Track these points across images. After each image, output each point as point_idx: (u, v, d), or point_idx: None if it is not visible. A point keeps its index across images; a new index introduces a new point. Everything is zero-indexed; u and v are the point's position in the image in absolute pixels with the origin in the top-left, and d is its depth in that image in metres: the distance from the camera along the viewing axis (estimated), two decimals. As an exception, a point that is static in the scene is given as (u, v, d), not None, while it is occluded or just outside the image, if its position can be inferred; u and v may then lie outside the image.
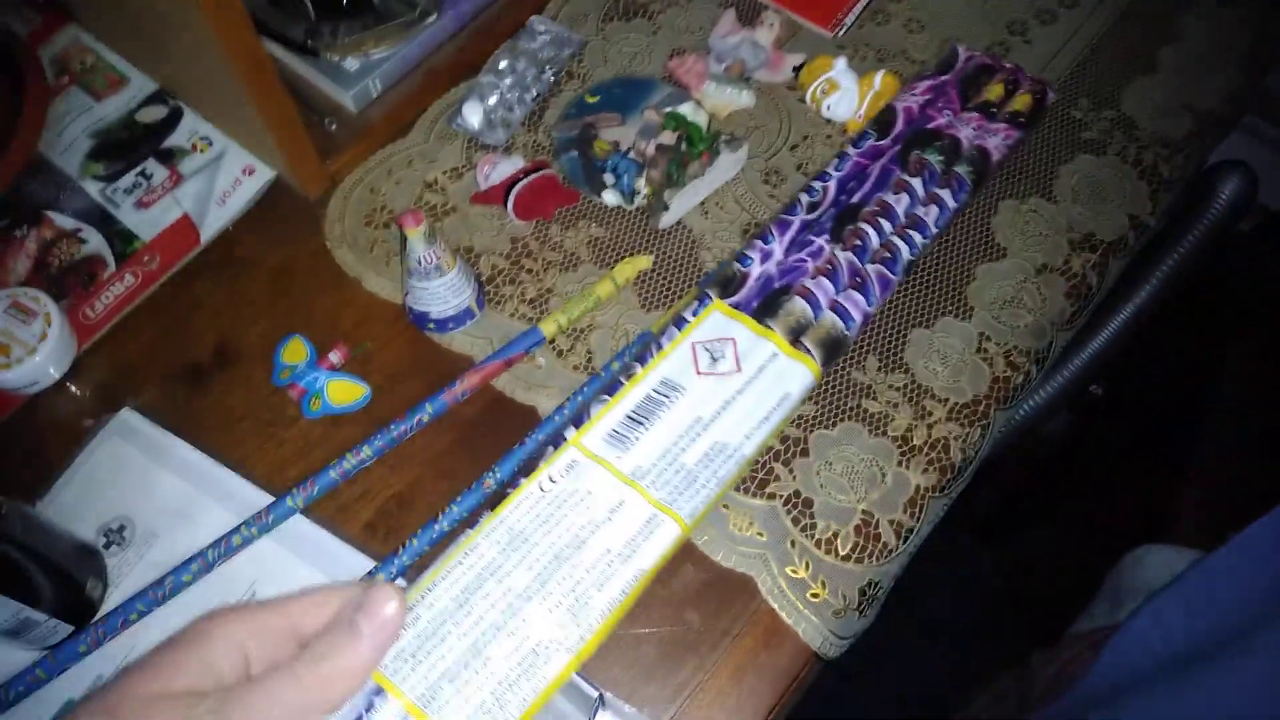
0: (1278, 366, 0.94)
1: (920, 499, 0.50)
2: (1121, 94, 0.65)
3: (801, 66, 0.64)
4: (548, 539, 0.40)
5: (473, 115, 0.61)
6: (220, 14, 0.47)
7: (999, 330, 0.55)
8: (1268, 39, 0.68)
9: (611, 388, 0.48)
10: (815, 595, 0.47)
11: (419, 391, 0.53)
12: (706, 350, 0.46)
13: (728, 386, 0.45)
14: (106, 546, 0.49)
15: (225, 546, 0.47)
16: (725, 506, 0.49)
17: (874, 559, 0.48)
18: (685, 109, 0.60)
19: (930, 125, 0.56)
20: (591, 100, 0.62)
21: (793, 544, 0.48)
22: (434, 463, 0.51)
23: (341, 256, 0.58)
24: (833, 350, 0.48)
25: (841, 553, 0.48)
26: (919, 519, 0.50)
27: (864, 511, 0.49)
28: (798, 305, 0.48)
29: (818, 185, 0.53)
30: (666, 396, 0.45)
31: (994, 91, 0.59)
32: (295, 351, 0.54)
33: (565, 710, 0.44)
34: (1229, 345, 0.98)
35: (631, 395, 0.45)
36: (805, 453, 0.51)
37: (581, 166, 0.59)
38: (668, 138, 0.58)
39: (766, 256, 0.50)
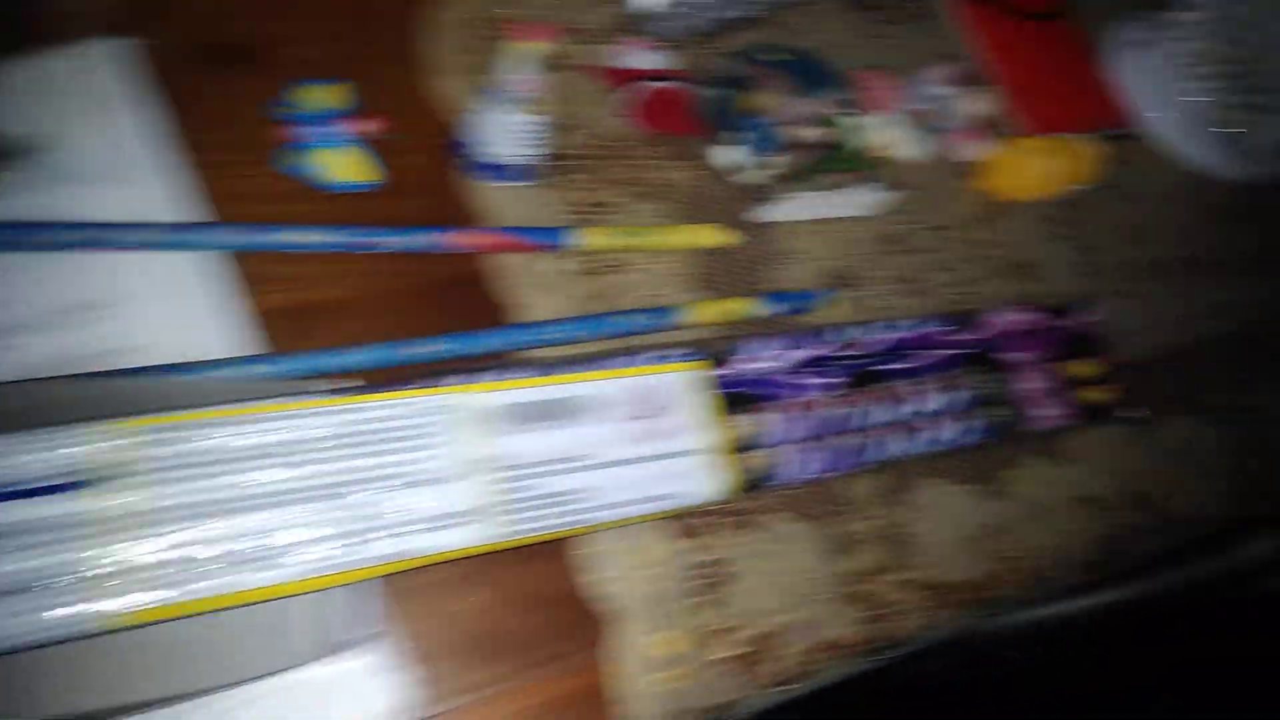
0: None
1: (834, 650, 0.43)
2: (1260, 386, 0.57)
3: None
4: (376, 458, 0.34)
5: (655, -7, 0.53)
6: None
7: (1016, 532, 0.48)
8: None
9: (548, 369, 0.41)
10: (667, 681, 0.40)
11: (414, 217, 0.45)
12: (650, 400, 0.39)
13: (639, 448, 0.38)
14: (13, 156, 0.41)
15: (122, 233, 0.39)
16: (626, 525, 0.42)
17: (749, 679, 0.41)
18: (854, 123, 0.52)
19: (1002, 355, 0.49)
20: (777, 56, 0.54)
21: (676, 612, 0.41)
22: (386, 296, 0.43)
23: (430, 41, 0.50)
24: (751, 485, 0.41)
25: (721, 653, 0.41)
26: (818, 669, 0.42)
27: (770, 627, 0.42)
28: (757, 425, 0.42)
29: (862, 330, 0.46)
30: (581, 413, 0.38)
31: (1086, 369, 0.51)
32: (319, 95, 0.46)
33: (330, 616, 0.36)
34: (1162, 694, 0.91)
35: (552, 387, 0.38)
36: (748, 525, 0.43)
37: (722, 107, 0.51)
38: (825, 135, 0.50)
39: (767, 358, 0.44)
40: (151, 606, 0.27)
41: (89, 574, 0.27)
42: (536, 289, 0.45)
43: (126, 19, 0.46)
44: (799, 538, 0.44)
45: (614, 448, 0.38)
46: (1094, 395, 0.50)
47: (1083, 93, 0.63)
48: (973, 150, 0.56)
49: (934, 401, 0.46)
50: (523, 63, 0.43)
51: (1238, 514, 0.54)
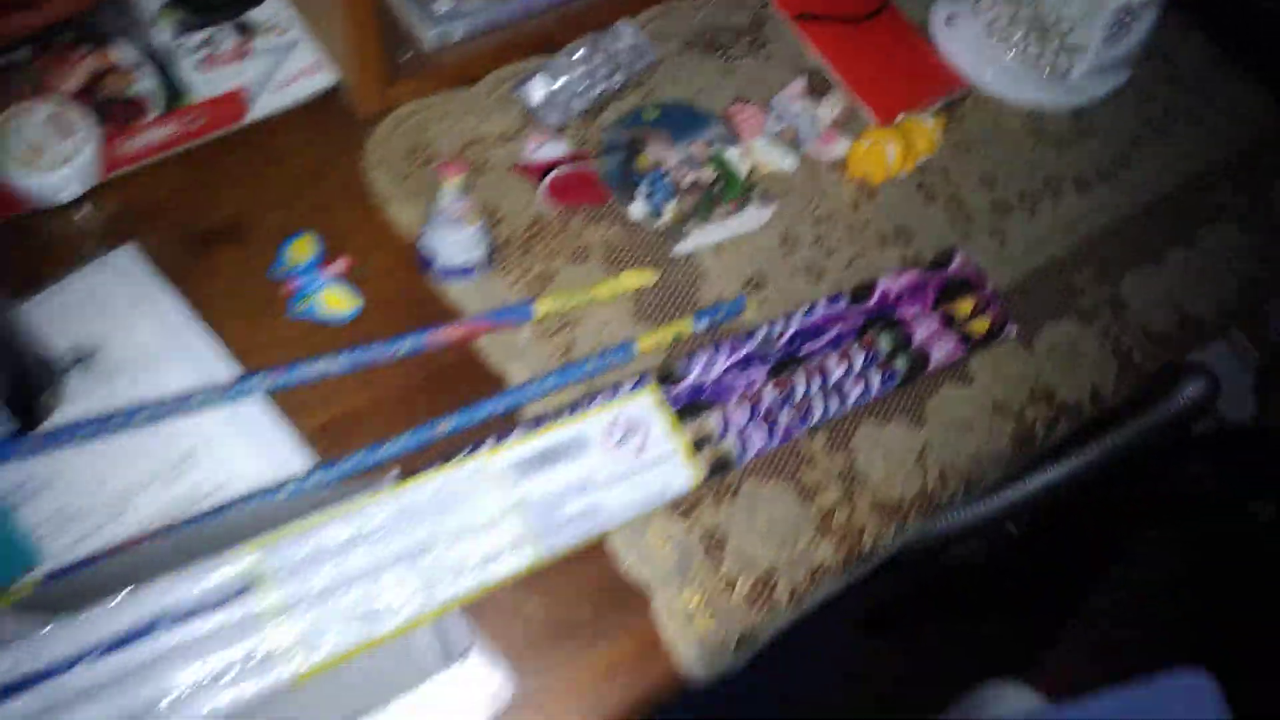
0: (1172, 568, 0.99)
1: (821, 572, 0.53)
2: (1124, 277, 0.69)
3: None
4: (432, 524, 0.45)
5: (538, 90, 0.64)
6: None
7: (943, 448, 0.59)
8: (1273, 271, 0.73)
9: (539, 421, 0.51)
10: (700, 626, 0.50)
11: (403, 325, 0.55)
12: (623, 427, 0.50)
13: (625, 464, 0.50)
14: (70, 367, 0.51)
15: (181, 402, 0.49)
16: (649, 519, 0.52)
17: (762, 610, 0.51)
18: (731, 154, 0.63)
19: (897, 313, 0.60)
20: (650, 116, 0.65)
21: (694, 573, 0.51)
22: (399, 394, 0.54)
23: (376, 178, 0.61)
24: (719, 469, 0.52)
25: (736, 596, 0.51)
26: (812, 589, 0.53)
27: (768, 567, 0.53)
28: (712, 421, 0.53)
29: (781, 324, 0.57)
30: (574, 451, 0.49)
31: (964, 307, 0.62)
32: (302, 249, 0.56)
33: (427, 644, 0.45)
34: (1140, 531, 1.03)
35: (548, 436, 0.49)
36: (736, 494, 0.54)
37: (620, 172, 0.62)
38: (707, 175, 0.61)
39: (708, 366, 0.55)
40: (312, 664, 0.38)
41: (268, 651, 0.37)
42: (514, 358, 0.56)
43: (125, 228, 0.56)
44: (771, 495, 0.55)
45: (607, 468, 0.49)
46: (977, 326, 0.61)
47: (918, 73, 0.74)
48: (836, 149, 0.68)
49: (853, 364, 0.57)
50: (449, 191, 0.53)
51: (1124, 391, 0.65)
